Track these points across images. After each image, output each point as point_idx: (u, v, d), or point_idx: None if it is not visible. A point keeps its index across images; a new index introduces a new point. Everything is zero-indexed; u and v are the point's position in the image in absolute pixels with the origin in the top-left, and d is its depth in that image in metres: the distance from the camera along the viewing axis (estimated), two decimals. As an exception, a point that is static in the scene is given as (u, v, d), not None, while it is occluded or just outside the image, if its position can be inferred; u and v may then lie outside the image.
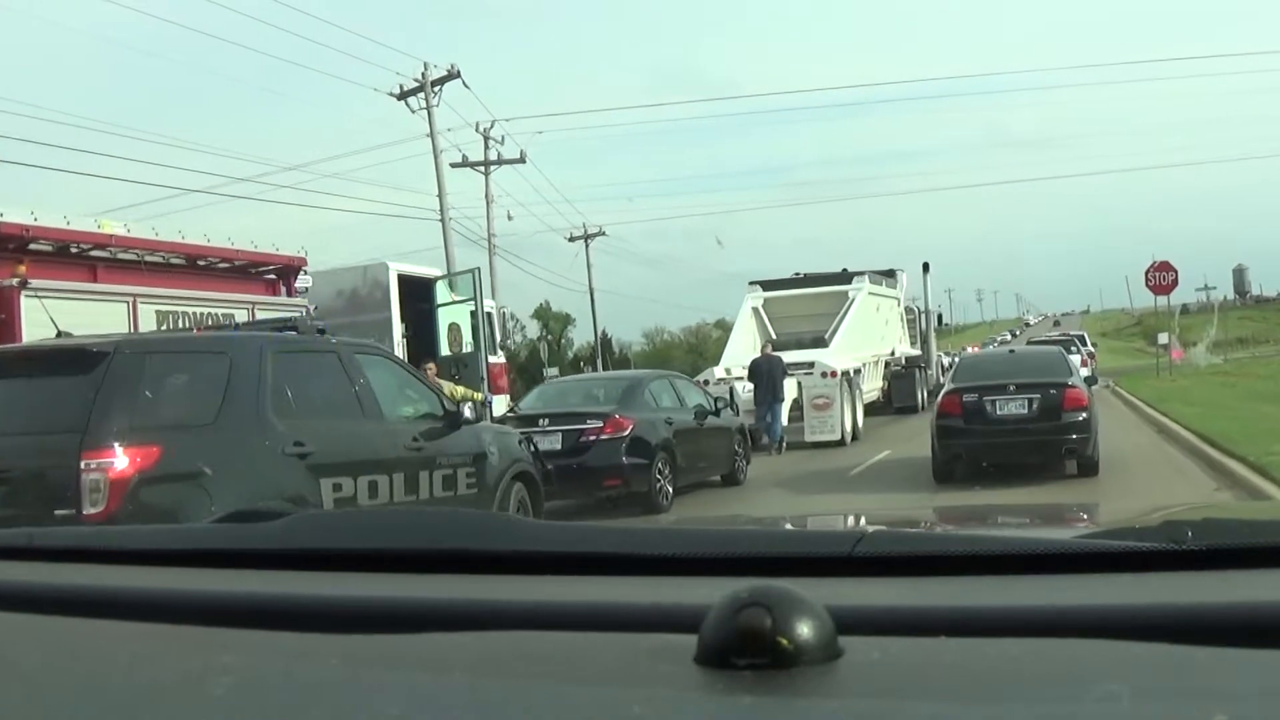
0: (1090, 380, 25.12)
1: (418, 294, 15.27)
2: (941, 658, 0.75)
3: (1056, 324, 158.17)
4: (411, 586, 1.07)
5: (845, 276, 21.97)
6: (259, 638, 0.90)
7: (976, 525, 1.84)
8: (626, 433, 10.59)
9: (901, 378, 24.09)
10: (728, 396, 16.37)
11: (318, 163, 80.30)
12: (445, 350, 15.19)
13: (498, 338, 17.45)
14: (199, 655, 0.84)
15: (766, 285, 22.29)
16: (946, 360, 52.72)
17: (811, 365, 17.68)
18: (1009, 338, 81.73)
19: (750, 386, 16.93)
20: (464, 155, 31.23)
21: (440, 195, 27.47)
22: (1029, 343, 33.01)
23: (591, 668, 0.76)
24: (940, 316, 32.68)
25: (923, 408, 22.97)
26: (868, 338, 21.45)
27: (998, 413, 10.88)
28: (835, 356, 18.29)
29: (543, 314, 79.18)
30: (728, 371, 18.25)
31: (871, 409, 22.27)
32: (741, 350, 19.22)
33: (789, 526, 1.94)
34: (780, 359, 17.02)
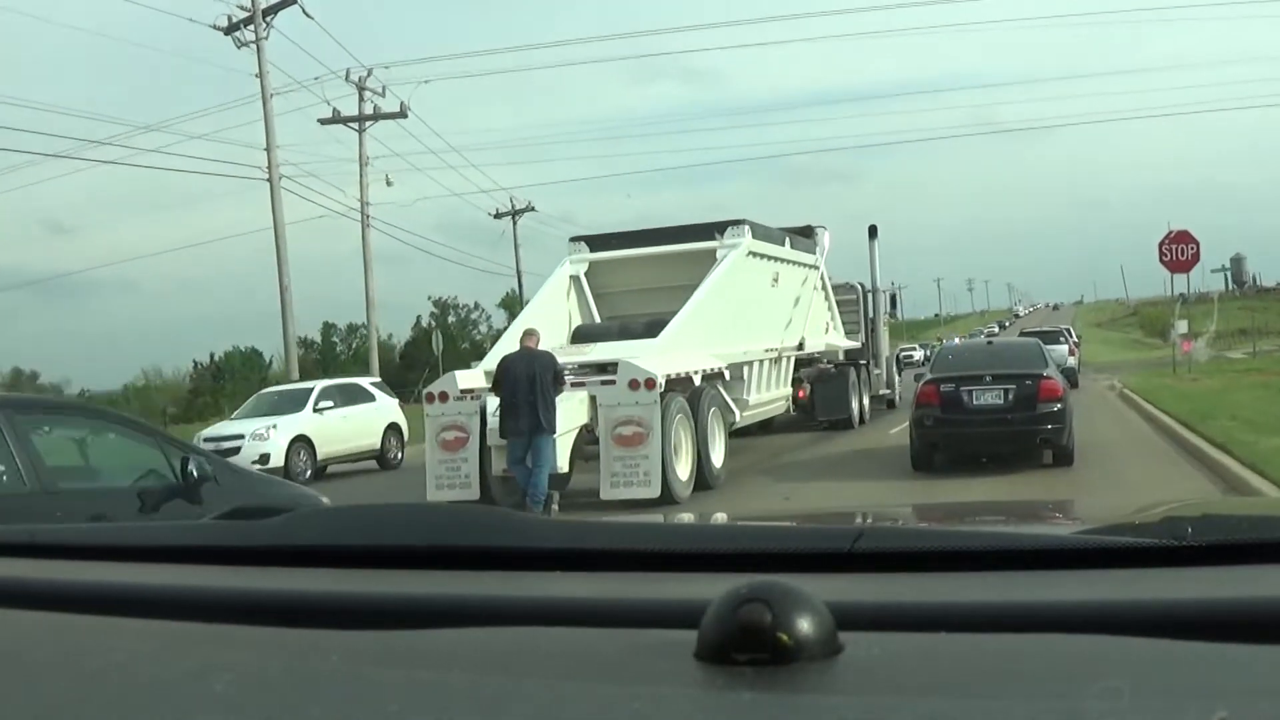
0: (1071, 372, 25.15)
1: None
2: (942, 653, 0.75)
3: (1056, 309, 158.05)
4: (412, 583, 1.08)
5: (713, 228, 13.89)
6: (260, 634, 0.90)
7: (977, 521, 1.84)
8: None
9: (829, 381, 17.56)
10: (474, 420, 10.72)
11: (179, 121, 71.58)
12: None
13: None
14: (200, 651, 0.84)
15: (596, 243, 14.45)
16: (919, 354, 49.22)
17: (613, 369, 10.75)
18: (996, 330, 77.82)
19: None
20: (335, 109, 26.87)
21: (269, 149, 23.07)
22: (1022, 333, 30.26)
23: (591, 664, 0.77)
24: (894, 298, 23.92)
25: (863, 420, 18.29)
26: (752, 322, 13.95)
27: (974, 403, 11.24)
28: (662, 353, 11.34)
29: (511, 303, 77.41)
30: (489, 377, 10.71)
31: (781, 425, 17.05)
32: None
33: (789, 522, 1.94)
34: (549, 358, 10.14)
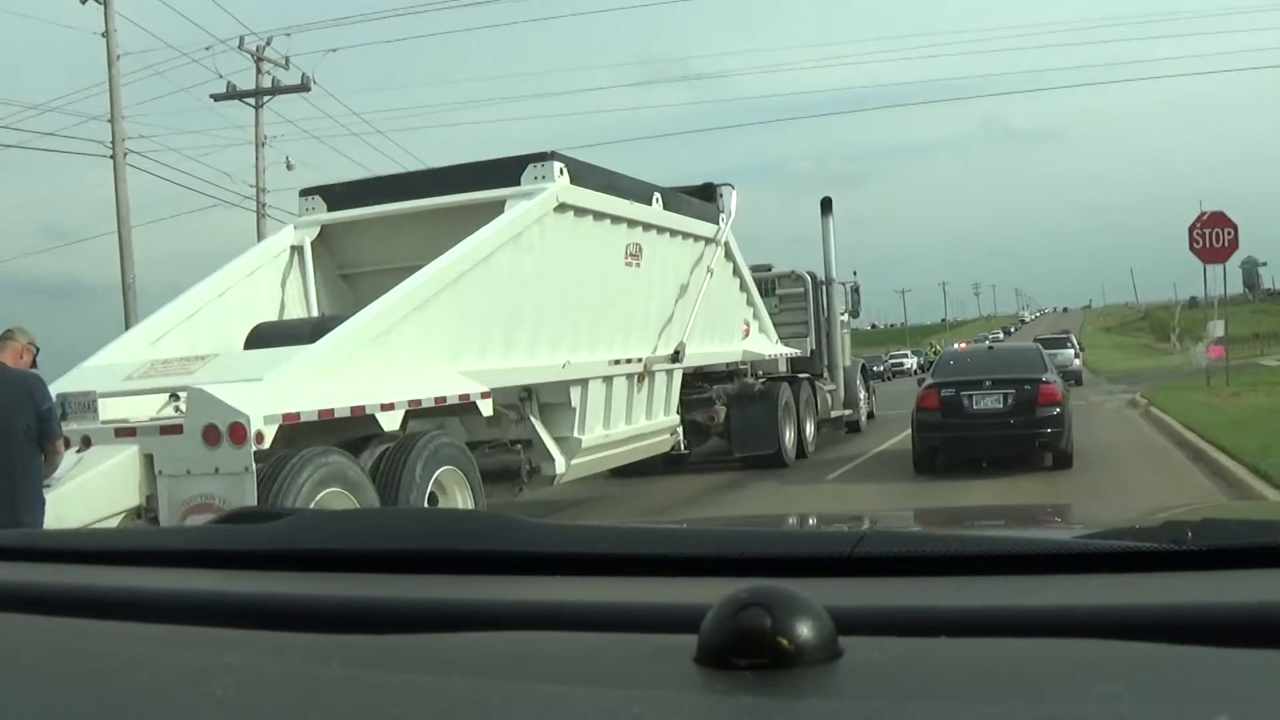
0: (1077, 373, 26.37)
1: None
2: (942, 658, 0.75)
3: (1065, 312, 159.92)
4: (411, 587, 1.08)
5: (515, 166, 8.91)
6: (259, 638, 0.90)
7: (977, 526, 1.84)
8: None
9: (750, 402, 13.00)
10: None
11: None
12: None
13: None
14: (199, 655, 0.84)
15: (337, 196, 9.58)
16: (911, 362, 47.12)
17: (175, 401, 6.78)
18: (1001, 336, 75.37)
19: None
20: (230, 84, 23.98)
21: (114, 120, 19.92)
22: (1036, 339, 30.81)
23: (591, 668, 0.77)
24: (857, 289, 18.35)
25: (804, 454, 13.90)
26: (586, 318, 9.27)
27: (974, 407, 11.46)
28: (318, 371, 6.73)
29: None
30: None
31: (699, 459, 13.49)
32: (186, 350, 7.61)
33: (789, 527, 1.94)
34: (29, 387, 5.64)
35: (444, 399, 7.44)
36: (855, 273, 19.38)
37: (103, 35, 19.83)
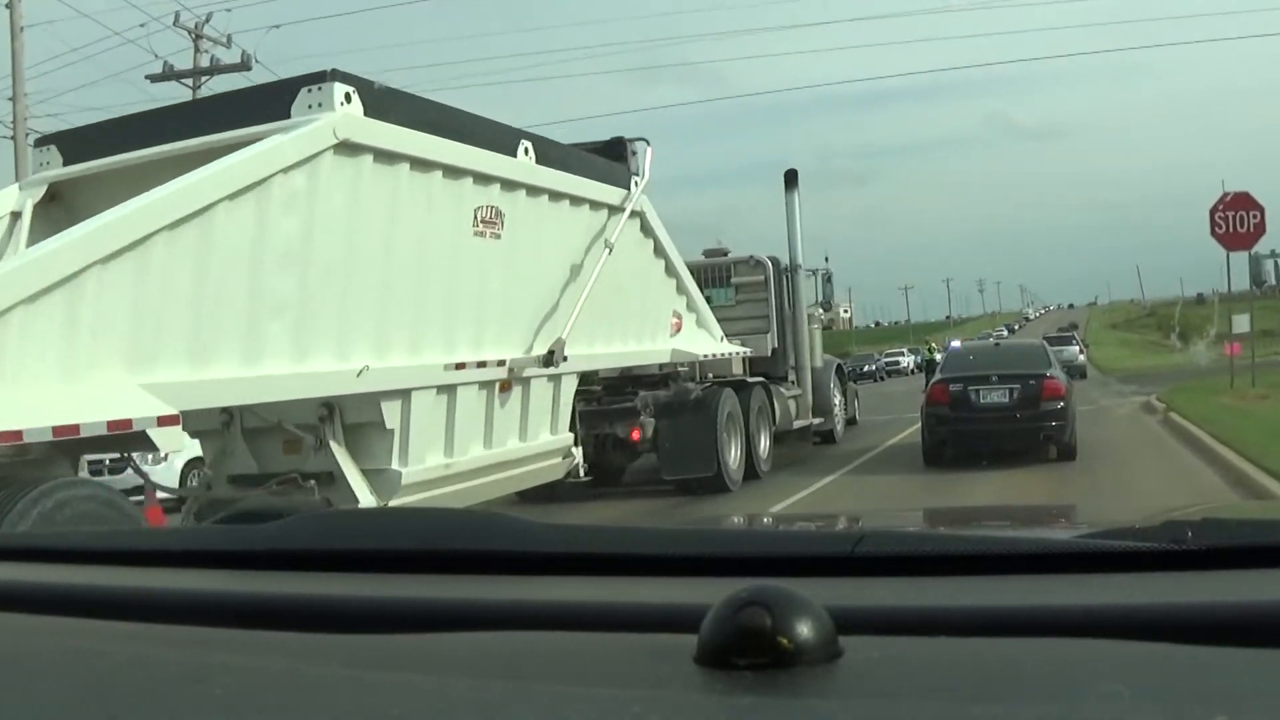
0: (1082, 366, 28.45)
1: None
2: (942, 658, 0.75)
3: (1071, 308, 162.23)
4: (411, 587, 1.08)
5: (285, 94, 6.17)
6: (259, 638, 0.90)
7: (977, 525, 1.84)
8: None
9: (683, 412, 10.80)
10: None
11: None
12: None
13: None
14: (199, 655, 0.84)
15: (77, 144, 6.98)
16: (908, 361, 47.24)
17: None
18: (1005, 334, 75.08)
19: None
20: (167, 64, 22.64)
21: (15, 98, 18.28)
22: (1044, 337, 29.21)
23: (591, 668, 0.77)
24: (829, 276, 16.19)
25: (756, 473, 11.64)
26: (363, 308, 6.37)
27: (981, 401, 11.84)
28: None
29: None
30: None
31: (636, 478, 11.61)
32: None
33: (789, 526, 1.95)
34: None
35: (75, 428, 4.79)
36: (827, 258, 17.23)
37: (6, 6, 18.47)
